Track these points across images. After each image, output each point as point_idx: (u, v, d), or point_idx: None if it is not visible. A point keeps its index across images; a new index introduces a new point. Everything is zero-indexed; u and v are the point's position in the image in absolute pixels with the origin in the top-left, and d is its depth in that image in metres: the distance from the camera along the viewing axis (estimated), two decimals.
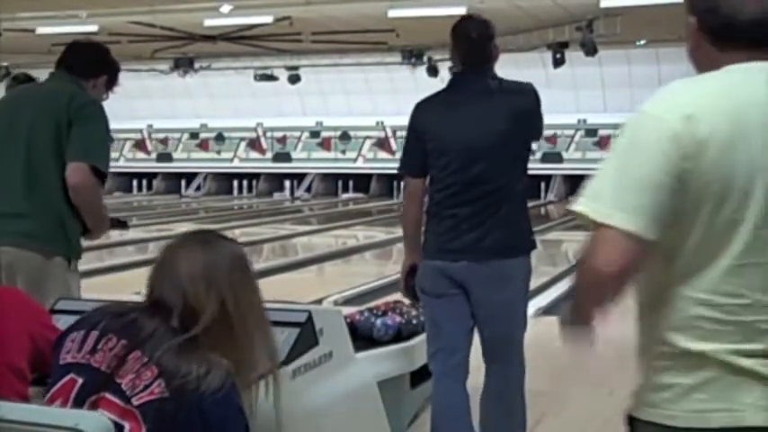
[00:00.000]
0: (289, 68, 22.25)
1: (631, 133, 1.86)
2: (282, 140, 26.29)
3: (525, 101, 3.96)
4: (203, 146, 27.10)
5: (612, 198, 1.80)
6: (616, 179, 1.81)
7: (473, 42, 3.97)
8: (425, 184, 4.03)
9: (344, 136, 25.54)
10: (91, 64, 4.23)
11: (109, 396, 2.17)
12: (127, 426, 2.12)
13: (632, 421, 1.92)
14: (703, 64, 1.94)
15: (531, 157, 4.09)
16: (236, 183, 26.87)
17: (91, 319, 2.30)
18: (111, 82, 4.29)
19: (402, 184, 4.17)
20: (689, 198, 1.81)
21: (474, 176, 3.86)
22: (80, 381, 2.21)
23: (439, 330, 3.94)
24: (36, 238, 3.94)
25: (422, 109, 4.05)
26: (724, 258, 1.82)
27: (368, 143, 25.22)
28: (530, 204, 3.97)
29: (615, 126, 23.45)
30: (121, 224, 4.61)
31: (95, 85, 4.20)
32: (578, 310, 1.91)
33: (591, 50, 16.60)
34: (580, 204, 1.84)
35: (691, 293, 1.84)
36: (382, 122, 24.20)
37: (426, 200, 4.06)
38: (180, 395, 2.13)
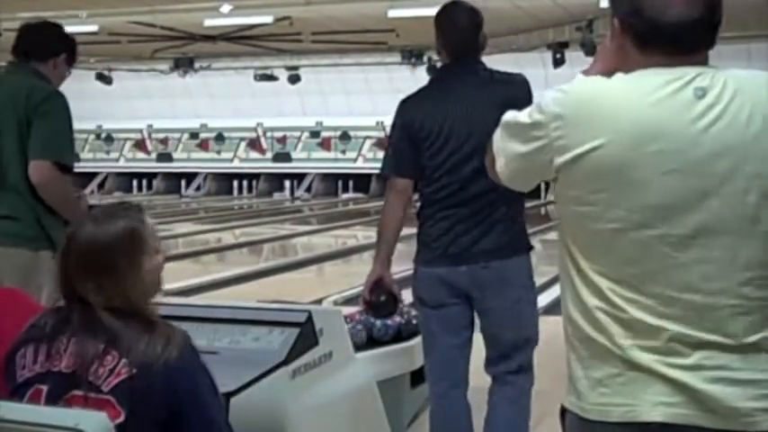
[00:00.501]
0: (289, 68, 22.26)
1: (531, 112, 1.93)
2: (282, 140, 26.29)
3: (519, 92, 3.69)
4: (203, 146, 27.10)
5: (502, 146, 2.01)
6: (508, 143, 1.98)
7: (463, 32, 3.75)
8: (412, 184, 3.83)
9: (344, 136, 25.53)
10: (46, 45, 4.13)
11: (78, 392, 2.17)
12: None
13: (563, 411, 1.99)
14: (626, 65, 1.93)
15: None
16: (236, 183, 26.87)
17: (34, 333, 2.29)
18: (72, 58, 4.20)
19: (389, 184, 3.87)
20: (566, 198, 1.89)
21: (471, 174, 3.65)
22: (45, 388, 2.21)
23: (434, 344, 3.80)
24: (19, 236, 3.93)
25: (409, 105, 3.83)
26: (611, 262, 1.85)
27: (368, 143, 25.21)
28: (530, 204, 3.80)
29: None
30: None
31: (56, 65, 4.12)
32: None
33: (591, 50, 16.56)
34: (496, 134, 2.04)
35: (588, 289, 1.88)
36: (382, 122, 24.16)
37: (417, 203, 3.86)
38: (146, 370, 2.15)
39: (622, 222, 1.82)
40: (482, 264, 3.71)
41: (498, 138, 2.02)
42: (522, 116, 1.95)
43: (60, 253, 2.32)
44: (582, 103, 1.87)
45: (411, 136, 3.76)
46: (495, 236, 3.70)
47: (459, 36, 3.76)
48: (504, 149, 1.99)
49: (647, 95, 1.84)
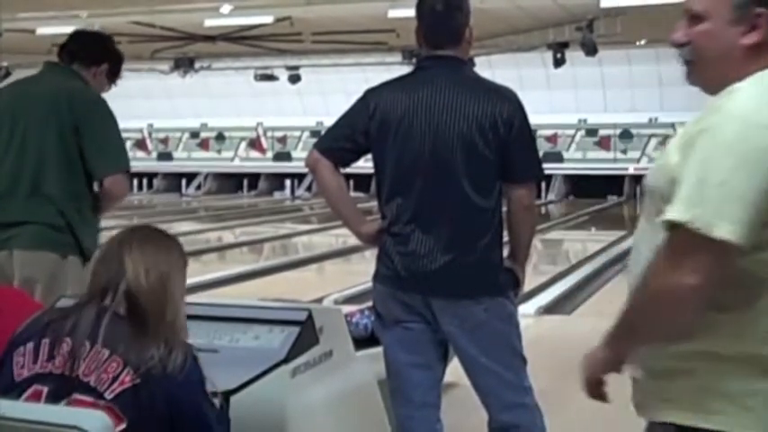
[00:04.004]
0: (289, 68, 22.25)
1: (728, 140, 1.71)
2: (282, 140, 26.29)
3: (508, 110, 3.23)
4: (204, 145, 27.10)
5: (716, 208, 1.67)
6: (718, 188, 1.67)
7: (439, 17, 3.22)
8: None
9: None
10: (92, 50, 4.12)
11: (79, 397, 2.17)
12: None
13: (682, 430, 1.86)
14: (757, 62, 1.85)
15: None
16: (236, 182, 26.87)
17: (36, 329, 2.28)
18: (114, 73, 4.19)
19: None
20: None
21: (436, 191, 3.24)
22: (45, 389, 2.20)
23: (392, 368, 3.42)
24: (50, 241, 3.90)
25: (370, 93, 3.37)
26: None
27: None
28: None
29: (615, 126, 23.46)
30: None
31: (96, 74, 4.11)
32: (635, 339, 1.82)
33: (591, 50, 16.59)
34: (676, 212, 1.69)
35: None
36: None
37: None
38: (150, 379, 2.16)
39: None
40: (446, 299, 3.26)
41: (700, 218, 1.67)
42: (708, 162, 1.70)
43: (105, 253, 2.33)
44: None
45: (359, 125, 3.39)
46: (465, 264, 3.24)
47: (433, 21, 3.25)
48: (720, 213, 1.67)
49: None
